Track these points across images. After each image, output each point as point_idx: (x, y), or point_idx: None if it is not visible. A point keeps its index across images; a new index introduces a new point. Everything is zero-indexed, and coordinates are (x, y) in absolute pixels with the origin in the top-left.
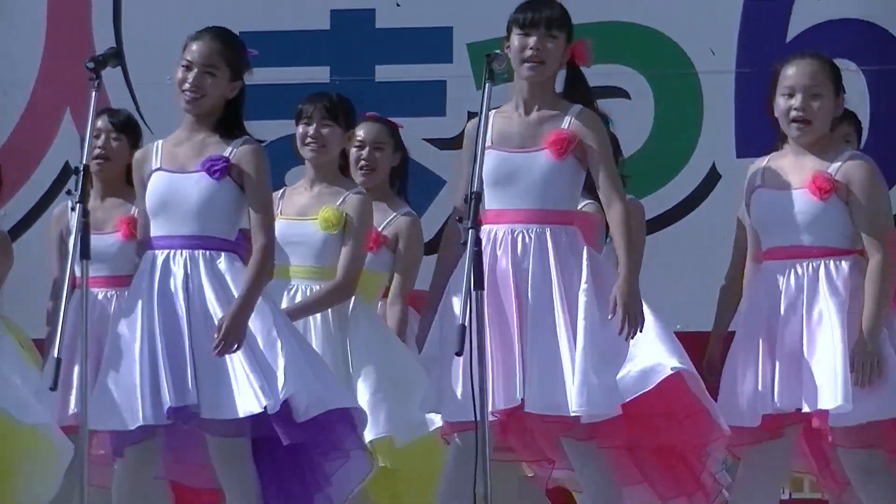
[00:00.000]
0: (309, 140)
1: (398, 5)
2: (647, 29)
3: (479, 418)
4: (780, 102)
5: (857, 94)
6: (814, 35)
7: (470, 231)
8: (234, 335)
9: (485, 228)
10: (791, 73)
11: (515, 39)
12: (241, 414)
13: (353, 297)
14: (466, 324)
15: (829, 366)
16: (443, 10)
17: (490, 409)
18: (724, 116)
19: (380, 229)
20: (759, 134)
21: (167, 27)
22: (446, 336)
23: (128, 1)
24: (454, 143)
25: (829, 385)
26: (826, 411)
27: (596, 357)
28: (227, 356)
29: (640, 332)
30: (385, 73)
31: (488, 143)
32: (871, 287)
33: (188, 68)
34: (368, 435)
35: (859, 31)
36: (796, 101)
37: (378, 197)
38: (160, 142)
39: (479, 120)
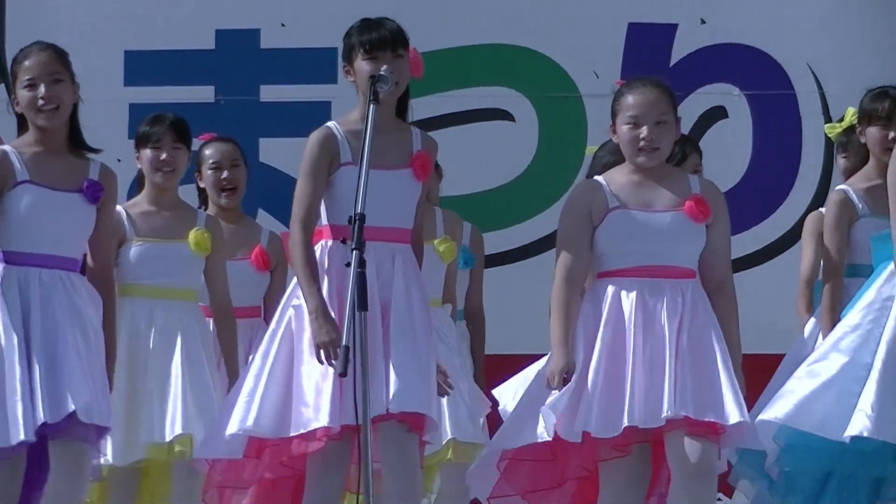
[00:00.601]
0: (162, 165)
1: (283, 25)
2: (532, 52)
3: (361, 422)
4: (625, 131)
5: (741, 117)
6: (697, 59)
7: (354, 252)
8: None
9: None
10: (633, 101)
11: (365, 64)
12: None
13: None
14: (349, 344)
15: (719, 382)
16: (328, 31)
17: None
18: (607, 139)
19: (265, 248)
20: None
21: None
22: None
23: (11, 16)
24: None
25: (731, 400)
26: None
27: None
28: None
29: None
30: (270, 93)
31: (346, 159)
32: (734, 320)
33: (33, 85)
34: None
35: (742, 56)
36: (644, 131)
37: (234, 217)
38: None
39: (364, 140)
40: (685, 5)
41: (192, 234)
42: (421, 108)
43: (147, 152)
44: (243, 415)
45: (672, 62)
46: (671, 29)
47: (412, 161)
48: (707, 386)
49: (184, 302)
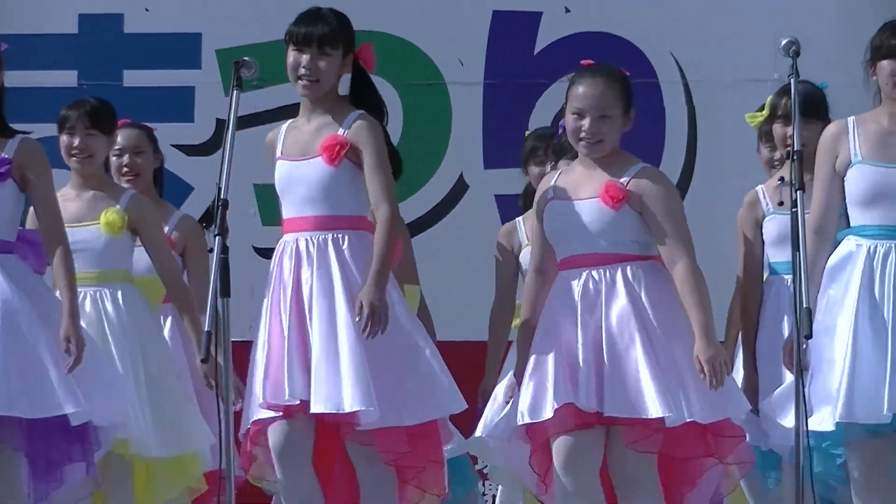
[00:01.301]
0: (75, 151)
1: (147, 10)
2: (397, 39)
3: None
4: (570, 121)
5: None
6: (561, 47)
7: (217, 238)
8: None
9: (287, 238)
10: (580, 92)
11: (290, 55)
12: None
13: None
14: (211, 330)
15: (644, 375)
16: (192, 16)
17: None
18: (472, 127)
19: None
20: (506, 145)
21: None
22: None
23: None
24: (203, 149)
25: (652, 394)
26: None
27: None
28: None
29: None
30: (133, 78)
31: (279, 154)
32: (691, 291)
33: None
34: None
35: (606, 44)
36: (586, 123)
37: None
38: None
39: (227, 126)
40: None
41: (101, 215)
42: (281, 95)
43: (63, 138)
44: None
45: (536, 50)
46: (536, 17)
47: (321, 148)
48: (623, 380)
49: (111, 285)
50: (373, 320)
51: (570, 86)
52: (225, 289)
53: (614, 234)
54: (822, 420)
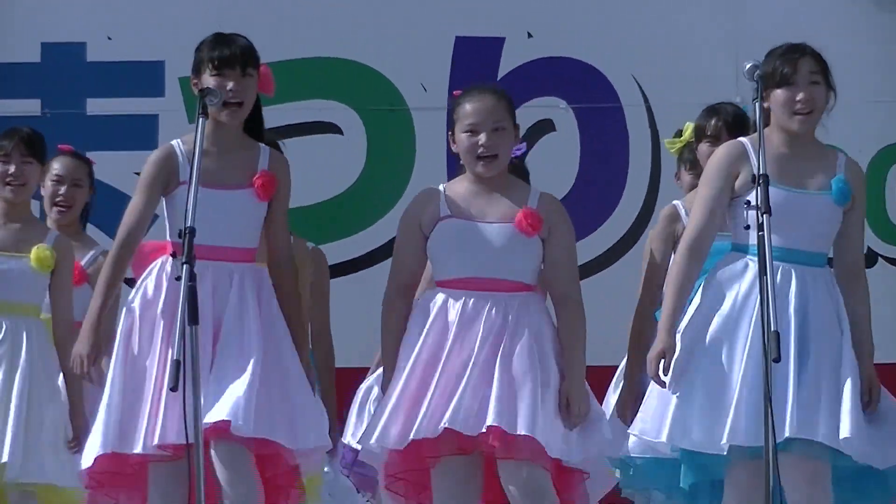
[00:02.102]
0: (10, 179)
1: (109, 38)
2: (360, 65)
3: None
4: (464, 139)
5: (569, 131)
6: (524, 72)
7: (185, 266)
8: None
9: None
10: (471, 109)
11: (211, 80)
12: None
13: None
14: (180, 358)
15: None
16: (154, 44)
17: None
18: (436, 152)
19: (83, 265)
20: None
21: None
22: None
23: None
24: None
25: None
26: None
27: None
28: None
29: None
30: (97, 106)
31: (182, 178)
32: (577, 331)
33: None
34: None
35: (569, 69)
36: (482, 138)
37: (68, 234)
38: None
39: (194, 154)
40: (512, 19)
41: (34, 251)
42: None
43: None
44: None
45: (500, 76)
46: (498, 42)
47: (253, 181)
48: (522, 402)
49: (26, 318)
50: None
51: (456, 107)
52: (193, 316)
53: (518, 261)
54: (706, 439)
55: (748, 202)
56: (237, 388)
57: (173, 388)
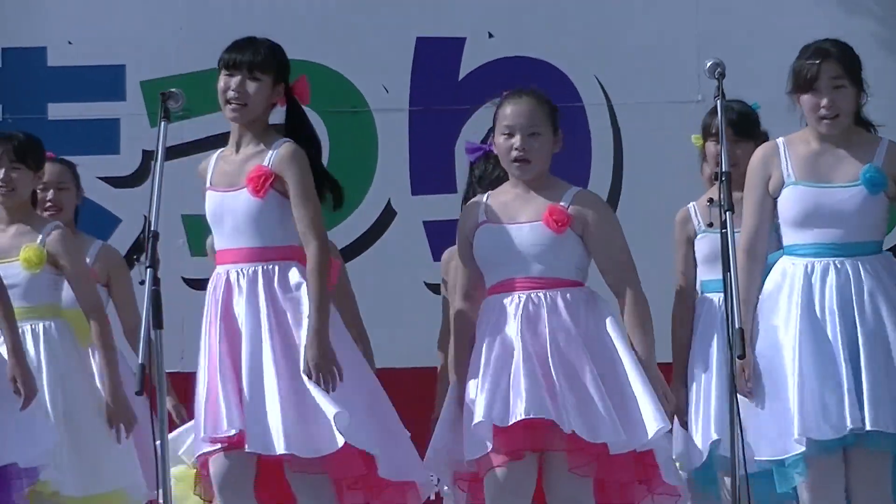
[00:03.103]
0: None
1: (70, 43)
2: (321, 67)
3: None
4: (501, 141)
5: None
6: (486, 72)
7: (148, 270)
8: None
9: (219, 269)
10: (509, 112)
11: (221, 80)
12: None
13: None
14: (145, 363)
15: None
16: (115, 48)
17: None
18: (398, 154)
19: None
20: (432, 171)
21: None
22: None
23: None
24: (129, 180)
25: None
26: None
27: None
28: None
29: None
30: (58, 111)
31: (208, 185)
32: (639, 322)
33: None
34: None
35: (530, 68)
36: (516, 141)
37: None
38: None
39: (156, 157)
40: (472, 19)
41: (22, 251)
42: (208, 125)
43: None
44: None
45: (461, 76)
46: (459, 42)
47: (246, 179)
48: (577, 402)
49: (42, 320)
50: (324, 379)
51: (498, 109)
52: (157, 321)
53: (554, 258)
54: (780, 444)
55: (710, 200)
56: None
57: (138, 393)
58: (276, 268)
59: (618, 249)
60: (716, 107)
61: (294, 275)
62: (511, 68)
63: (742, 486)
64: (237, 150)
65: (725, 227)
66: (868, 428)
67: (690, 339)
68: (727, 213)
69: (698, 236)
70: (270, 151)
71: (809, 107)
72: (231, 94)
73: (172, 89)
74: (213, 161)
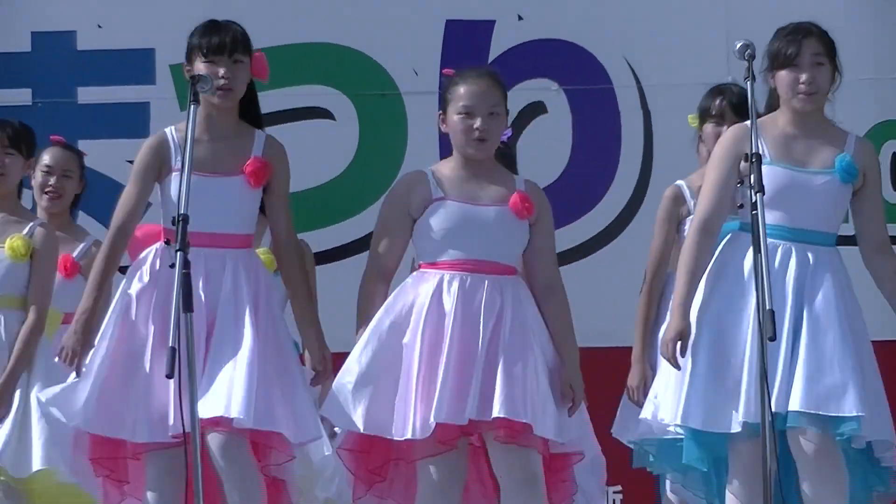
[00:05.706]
0: None
1: (100, 27)
2: (351, 50)
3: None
4: (457, 120)
5: (561, 112)
6: (516, 55)
7: (178, 253)
8: None
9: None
10: (468, 91)
11: (202, 67)
12: None
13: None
14: (175, 346)
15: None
16: (145, 32)
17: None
18: (428, 136)
19: (74, 257)
20: None
21: None
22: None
23: None
24: None
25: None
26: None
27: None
28: None
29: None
30: (87, 95)
31: (176, 164)
32: (566, 317)
33: None
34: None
35: (560, 51)
36: (478, 122)
37: (59, 224)
38: None
39: (186, 141)
40: (502, 2)
41: (8, 240)
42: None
43: None
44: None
45: (490, 58)
46: (489, 25)
47: (244, 167)
48: (524, 387)
49: (11, 310)
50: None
51: (450, 87)
52: (188, 304)
53: (513, 244)
54: (721, 419)
55: (740, 181)
56: (237, 379)
57: (169, 376)
58: (248, 253)
59: (552, 243)
60: (714, 88)
61: (259, 262)
62: (540, 51)
63: (772, 463)
64: (209, 133)
65: (756, 209)
66: (793, 409)
67: (654, 319)
68: (758, 194)
69: (690, 216)
70: (254, 142)
71: (787, 82)
72: (221, 80)
73: (202, 73)
74: (173, 141)
